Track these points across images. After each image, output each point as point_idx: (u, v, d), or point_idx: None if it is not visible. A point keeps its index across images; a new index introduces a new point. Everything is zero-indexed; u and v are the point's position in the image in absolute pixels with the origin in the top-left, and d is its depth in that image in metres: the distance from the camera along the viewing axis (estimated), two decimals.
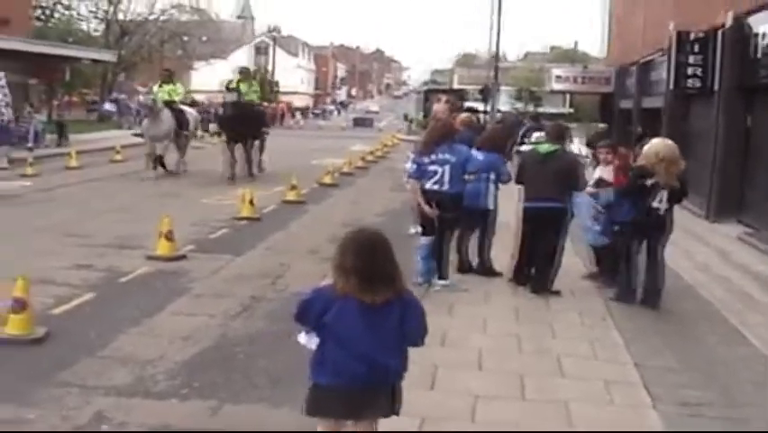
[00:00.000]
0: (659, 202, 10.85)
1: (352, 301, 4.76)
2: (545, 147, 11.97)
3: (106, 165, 30.45)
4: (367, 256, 4.80)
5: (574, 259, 13.17)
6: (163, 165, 25.76)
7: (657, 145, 11.11)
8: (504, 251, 12.35)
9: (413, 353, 8.02)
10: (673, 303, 11.21)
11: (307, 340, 4.98)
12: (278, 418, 5.50)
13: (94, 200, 20.32)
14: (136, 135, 29.13)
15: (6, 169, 27.00)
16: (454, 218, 11.58)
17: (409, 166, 16.00)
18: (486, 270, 12.34)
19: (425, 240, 11.44)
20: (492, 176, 12.32)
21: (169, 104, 26.56)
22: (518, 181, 12.06)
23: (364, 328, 4.81)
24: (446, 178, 11.26)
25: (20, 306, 8.64)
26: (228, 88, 25.86)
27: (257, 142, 26.85)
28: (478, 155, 12.19)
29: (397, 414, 5.17)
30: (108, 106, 61.49)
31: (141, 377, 7.70)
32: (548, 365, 8.10)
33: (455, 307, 10.34)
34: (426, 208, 11.32)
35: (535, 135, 27.50)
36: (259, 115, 27.02)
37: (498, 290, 11.39)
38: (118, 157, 32.35)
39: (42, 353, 8.37)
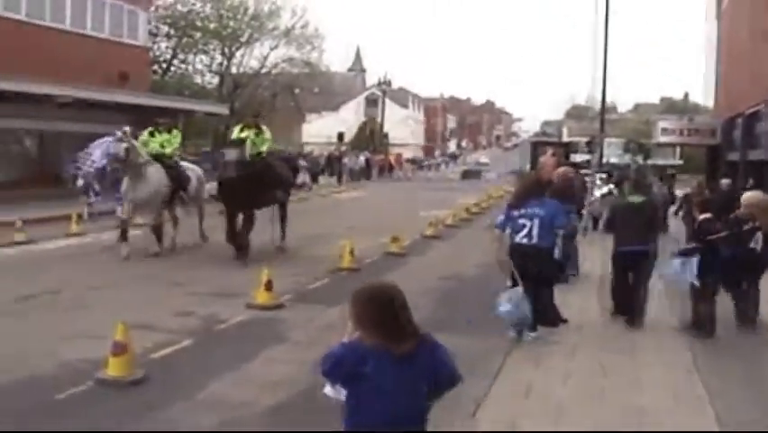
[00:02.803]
0: (755, 243, 12.62)
1: (384, 353, 4.95)
2: (637, 198, 13.47)
3: (211, 216, 31.08)
4: (388, 309, 4.97)
5: (665, 314, 13.26)
6: (159, 236, 19.99)
7: (758, 197, 13.40)
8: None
9: (497, 406, 8.29)
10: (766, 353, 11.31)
11: (335, 392, 5.19)
12: None
13: (200, 250, 20.91)
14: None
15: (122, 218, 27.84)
16: (543, 272, 11.69)
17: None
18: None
19: (506, 291, 11.60)
20: None
21: (160, 158, 20.21)
22: (610, 229, 13.55)
23: (399, 377, 4.96)
24: (535, 231, 11.44)
25: (119, 349, 9.11)
26: (231, 141, 19.48)
27: (275, 210, 20.83)
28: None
29: None
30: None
31: (230, 421, 8.06)
32: (628, 418, 8.17)
33: (542, 359, 10.46)
34: (501, 259, 11.84)
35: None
36: (270, 174, 19.55)
37: (586, 344, 11.44)
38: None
39: (138, 394, 8.82)
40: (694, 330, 12.21)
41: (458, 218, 30.14)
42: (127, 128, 19.48)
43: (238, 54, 71.63)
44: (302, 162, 57.20)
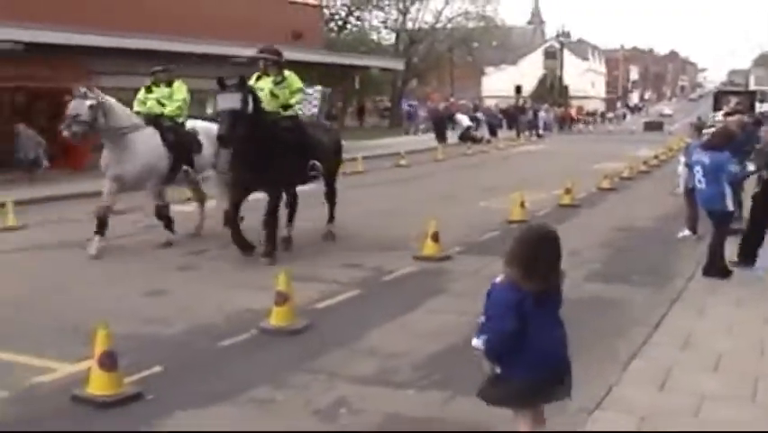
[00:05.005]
0: None
1: (536, 295, 4.92)
2: None
3: (391, 170, 31.61)
4: (548, 251, 4.95)
5: None
6: (103, 228, 14.29)
7: None
8: None
9: (653, 355, 8.10)
10: None
11: (483, 343, 5.18)
12: (499, 411, 5.75)
13: (373, 202, 21.19)
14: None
15: None
16: None
17: (681, 170, 15.89)
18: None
19: None
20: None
21: (156, 120, 15.45)
22: None
23: (548, 320, 4.98)
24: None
25: (281, 299, 9.31)
26: (223, 84, 13.11)
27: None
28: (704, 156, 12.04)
29: (570, 398, 5.35)
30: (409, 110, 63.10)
31: (386, 368, 8.15)
32: None
33: (706, 310, 10.15)
34: None
35: None
36: (295, 136, 14.07)
37: (754, 296, 10.98)
38: (403, 162, 33.51)
39: (299, 342, 9.03)
40: None
41: (635, 171, 29.46)
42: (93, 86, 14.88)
43: (413, 9, 72.06)
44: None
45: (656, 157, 35.58)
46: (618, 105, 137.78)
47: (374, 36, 73.99)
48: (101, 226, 14.23)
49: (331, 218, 15.95)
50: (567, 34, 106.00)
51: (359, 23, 71.95)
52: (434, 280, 12.36)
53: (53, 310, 10.55)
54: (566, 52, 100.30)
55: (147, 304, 10.92)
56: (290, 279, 9.48)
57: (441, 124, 49.90)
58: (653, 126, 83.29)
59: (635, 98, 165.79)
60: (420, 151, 40.27)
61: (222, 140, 13.17)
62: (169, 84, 15.95)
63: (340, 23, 69.02)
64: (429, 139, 48.50)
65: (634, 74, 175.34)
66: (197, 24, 32.34)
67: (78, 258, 13.96)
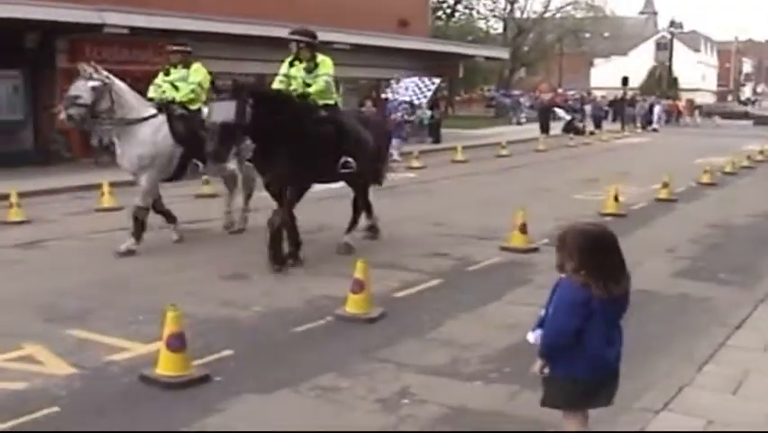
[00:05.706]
0: None
1: (602, 298, 4.83)
2: None
3: (491, 160, 31.52)
4: (613, 254, 4.88)
5: None
6: (170, 217, 14.37)
7: None
8: None
9: (731, 357, 7.88)
10: None
11: (537, 338, 5.12)
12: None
13: (469, 192, 21.16)
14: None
15: (398, 161, 28.28)
16: None
17: None
18: None
19: None
20: None
21: (167, 107, 13.82)
22: None
23: (606, 324, 4.90)
24: None
25: (358, 287, 9.33)
26: (217, 91, 12.04)
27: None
28: None
29: (612, 404, 5.30)
30: (505, 100, 62.73)
31: (456, 359, 8.11)
32: None
33: None
34: None
35: None
36: (318, 135, 12.13)
37: None
38: (504, 152, 33.41)
39: (372, 331, 9.04)
40: None
41: (738, 166, 28.73)
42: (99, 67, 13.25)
43: None
44: (587, 108, 56.75)
45: (761, 152, 34.67)
46: (730, 98, 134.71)
47: (482, 25, 73.88)
48: (137, 222, 13.34)
49: (351, 227, 13.85)
50: (680, 25, 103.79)
51: (467, 11, 71.95)
52: (519, 271, 12.25)
53: (136, 291, 10.78)
54: (677, 44, 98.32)
55: (228, 287, 11.06)
56: (369, 267, 9.50)
57: (545, 114, 49.47)
58: (763, 121, 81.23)
59: (747, 92, 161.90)
60: (522, 141, 40.01)
61: (212, 157, 11.91)
62: (187, 66, 14.35)
63: (448, 11, 69.05)
64: (533, 129, 48.14)
65: (747, 67, 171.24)
66: (304, 11, 32.47)
67: (168, 240, 14.17)
